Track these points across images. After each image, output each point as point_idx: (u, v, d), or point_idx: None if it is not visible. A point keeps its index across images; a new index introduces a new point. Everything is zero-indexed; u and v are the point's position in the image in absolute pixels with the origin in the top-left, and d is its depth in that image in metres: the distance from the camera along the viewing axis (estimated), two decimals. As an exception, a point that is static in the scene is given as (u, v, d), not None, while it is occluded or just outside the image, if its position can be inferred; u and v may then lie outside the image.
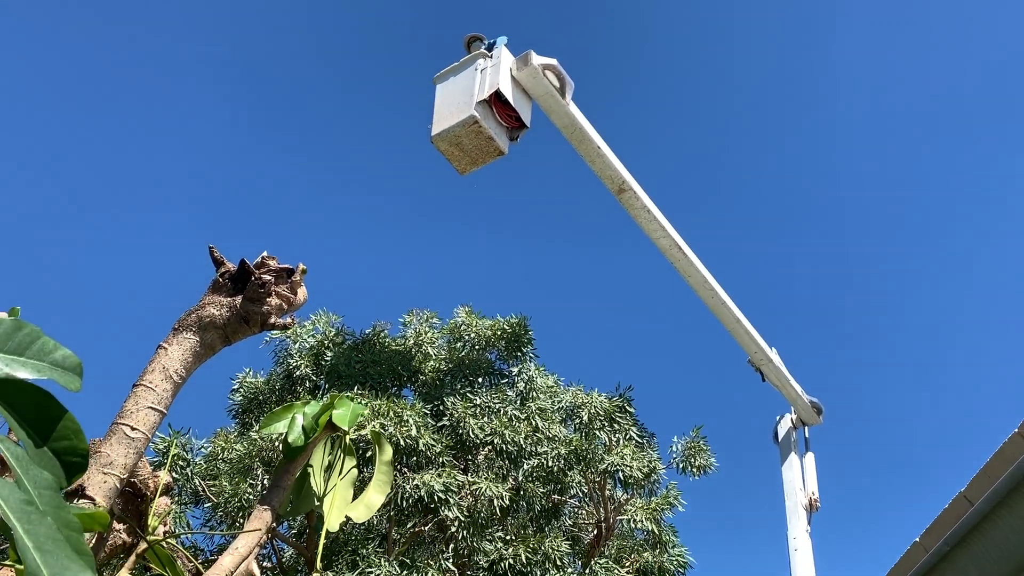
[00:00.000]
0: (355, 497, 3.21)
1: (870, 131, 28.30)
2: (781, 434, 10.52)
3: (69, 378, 1.24)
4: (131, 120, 26.95)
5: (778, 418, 10.66)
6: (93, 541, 2.52)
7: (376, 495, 3.18)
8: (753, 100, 29.33)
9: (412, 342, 13.43)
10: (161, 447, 11.82)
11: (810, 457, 10.32)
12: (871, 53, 27.56)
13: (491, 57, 7.52)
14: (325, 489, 3.07)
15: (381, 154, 30.29)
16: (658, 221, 8.74)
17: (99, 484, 2.25)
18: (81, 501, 2.19)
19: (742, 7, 27.37)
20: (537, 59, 7.56)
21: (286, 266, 2.71)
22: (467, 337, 13.48)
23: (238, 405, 12.97)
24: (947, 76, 27.15)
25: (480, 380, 12.74)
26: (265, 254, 2.71)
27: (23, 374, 1.19)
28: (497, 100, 7.39)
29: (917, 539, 4.66)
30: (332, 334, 12.92)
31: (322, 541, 3.23)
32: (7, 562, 1.66)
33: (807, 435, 10.51)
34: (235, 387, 13.05)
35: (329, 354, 12.48)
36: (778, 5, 27.24)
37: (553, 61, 7.71)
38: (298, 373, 12.39)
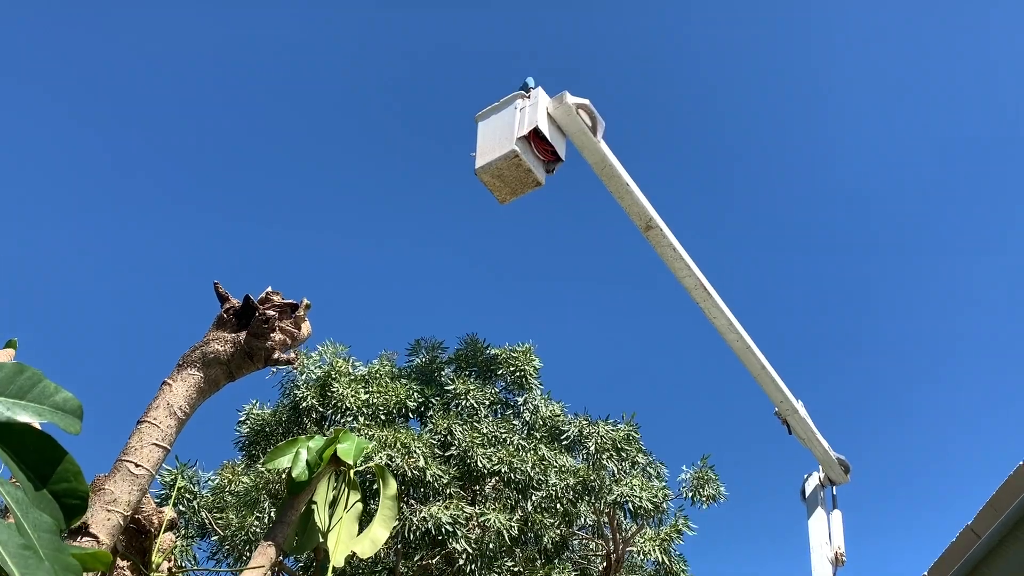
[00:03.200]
0: (360, 532, 3.19)
1: (910, 176, 28.39)
2: (808, 492, 10.37)
3: (69, 421, 1.25)
4: (135, 153, 27.22)
5: (805, 476, 10.50)
6: (96, 579, 2.51)
7: (381, 530, 3.16)
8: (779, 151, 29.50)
9: (419, 372, 13.42)
10: (167, 480, 11.79)
11: (837, 515, 10.17)
12: (895, 105, 27.72)
13: (529, 97, 8.02)
14: (330, 524, 3.06)
15: (389, 184, 30.48)
16: (683, 260, 8.77)
17: (103, 521, 2.25)
18: (84, 539, 2.19)
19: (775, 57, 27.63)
20: (571, 99, 8.08)
21: (290, 301, 2.72)
22: (474, 366, 13.46)
23: (245, 437, 12.94)
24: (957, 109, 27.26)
25: (486, 409, 12.70)
26: (269, 289, 2.72)
27: (24, 418, 1.19)
28: (535, 136, 7.90)
29: (924, 573, 4.59)
30: (339, 365, 12.91)
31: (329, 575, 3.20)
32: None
33: (835, 493, 10.34)
34: (242, 419, 13.03)
35: (335, 385, 12.46)
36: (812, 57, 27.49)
37: (586, 101, 8.17)
38: (304, 404, 12.35)
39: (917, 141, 28.46)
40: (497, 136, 7.93)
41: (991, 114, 26.84)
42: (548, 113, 8.00)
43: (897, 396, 30.87)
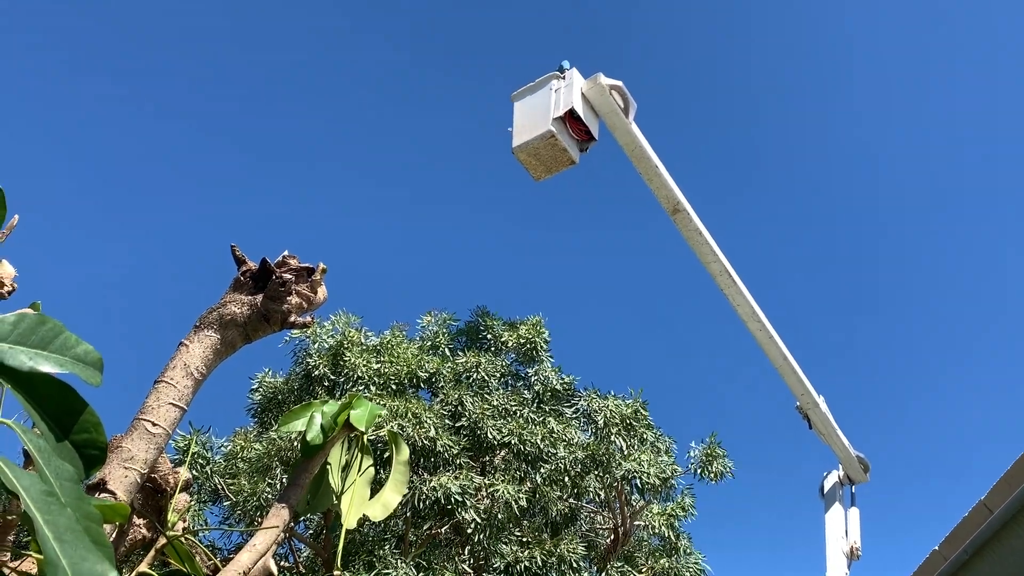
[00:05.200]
0: (372, 497, 3.22)
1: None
2: (827, 488, 10.40)
3: (90, 373, 1.26)
4: (153, 116, 27.23)
5: (825, 474, 10.53)
6: (114, 535, 2.54)
7: (393, 495, 3.18)
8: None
9: (430, 343, 13.47)
10: (181, 445, 11.92)
11: (855, 512, 10.21)
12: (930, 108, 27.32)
13: (564, 78, 8.23)
14: (343, 487, 3.08)
15: (403, 156, 30.40)
16: (709, 245, 8.79)
17: (120, 478, 2.27)
18: (102, 495, 2.21)
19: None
20: (605, 80, 8.28)
21: (307, 265, 2.72)
22: (484, 338, 13.49)
23: (257, 404, 13.06)
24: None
25: (496, 381, 12.75)
26: (286, 253, 2.72)
27: (47, 368, 1.20)
28: (570, 116, 8.11)
29: (936, 547, 4.60)
30: (351, 334, 12.97)
31: (342, 540, 3.23)
32: (29, 552, 1.68)
33: (853, 491, 10.35)
34: (254, 386, 13.14)
35: (348, 354, 12.53)
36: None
37: (619, 82, 8.34)
38: (317, 373, 12.44)
39: (942, 124, 28.08)
40: (533, 116, 8.14)
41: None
42: (582, 94, 8.14)
43: (912, 378, 30.78)
